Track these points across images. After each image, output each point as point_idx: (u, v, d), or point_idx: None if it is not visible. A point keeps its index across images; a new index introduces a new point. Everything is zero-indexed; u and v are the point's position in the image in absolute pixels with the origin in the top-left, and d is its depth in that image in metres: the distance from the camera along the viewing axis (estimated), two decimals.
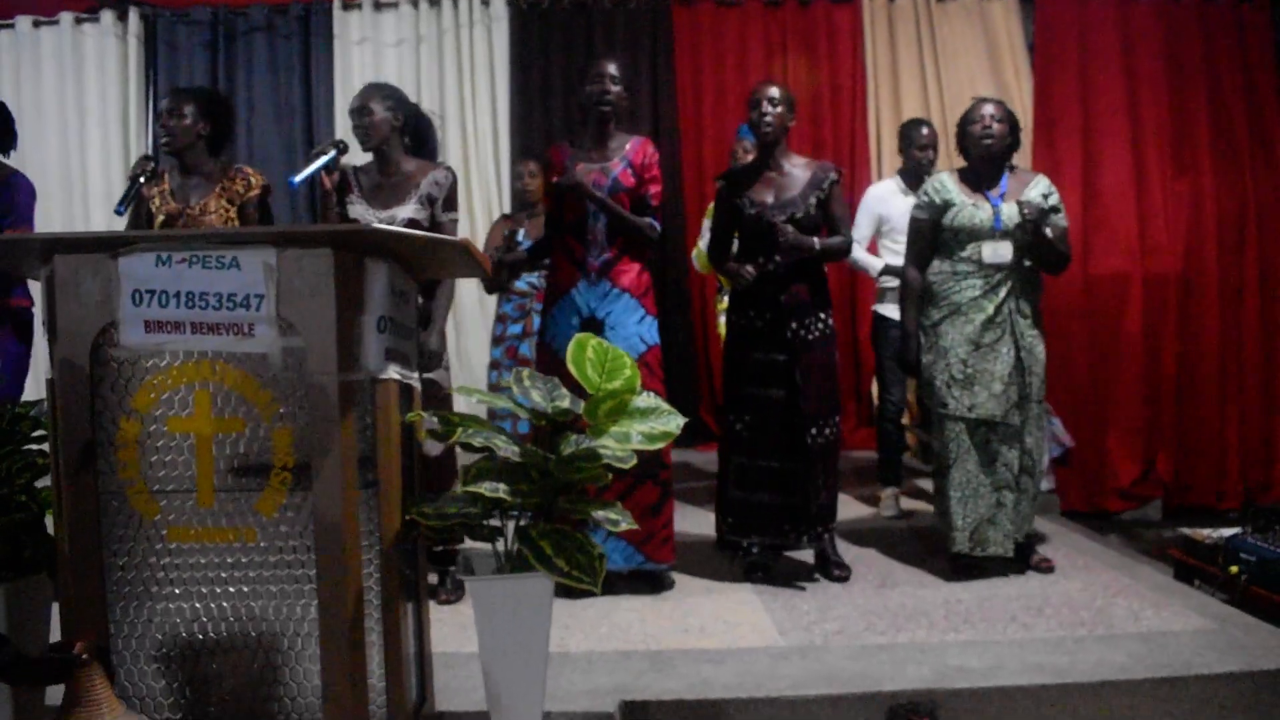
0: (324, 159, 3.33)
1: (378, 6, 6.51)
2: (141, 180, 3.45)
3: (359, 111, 3.53)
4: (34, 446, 2.53)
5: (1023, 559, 3.92)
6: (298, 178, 3.24)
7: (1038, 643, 3.16)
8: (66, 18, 6.47)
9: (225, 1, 6.55)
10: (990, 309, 3.77)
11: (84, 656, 1.97)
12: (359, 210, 3.53)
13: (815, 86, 6.63)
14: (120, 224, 6.16)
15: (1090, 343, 5.78)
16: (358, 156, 3.62)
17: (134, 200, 3.46)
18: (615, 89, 3.70)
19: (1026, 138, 6.15)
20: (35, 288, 3.67)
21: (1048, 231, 3.73)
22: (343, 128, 6.34)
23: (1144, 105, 6.18)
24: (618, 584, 3.75)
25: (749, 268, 3.75)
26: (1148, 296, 5.82)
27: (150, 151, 3.62)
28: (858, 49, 6.61)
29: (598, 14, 6.58)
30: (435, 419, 2.34)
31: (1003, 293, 3.78)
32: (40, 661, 2.03)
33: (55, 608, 2.37)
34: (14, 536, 2.39)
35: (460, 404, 5.32)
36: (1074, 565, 4.01)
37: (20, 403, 2.57)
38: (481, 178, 6.49)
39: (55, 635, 2.33)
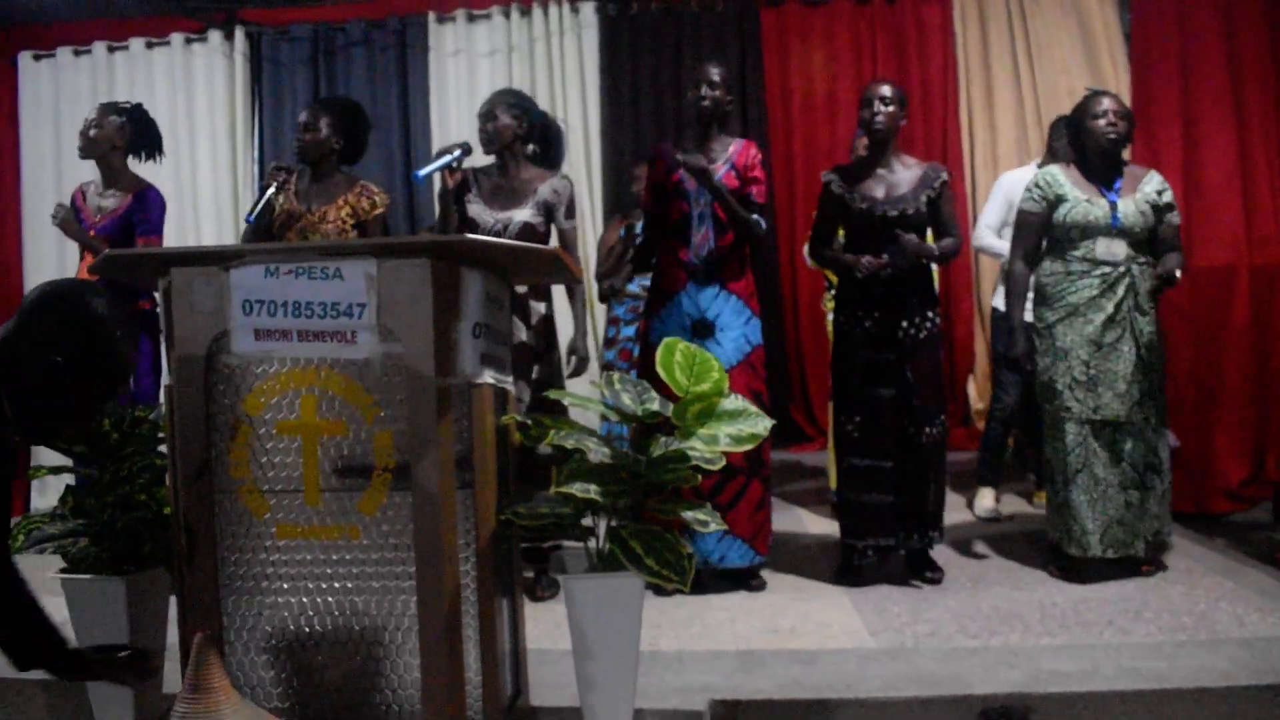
0: (447, 158, 3.49)
1: (471, 18, 6.63)
2: (272, 191, 3.57)
3: (485, 116, 3.67)
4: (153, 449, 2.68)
5: (1136, 563, 3.83)
6: (422, 172, 3.46)
7: (1135, 647, 3.10)
8: (177, 38, 6.74)
9: (325, 18, 6.75)
10: (1110, 308, 3.70)
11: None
12: (476, 210, 3.66)
13: (905, 83, 6.55)
14: (229, 235, 6.49)
15: (1195, 339, 5.62)
16: (479, 159, 3.73)
17: (263, 210, 3.58)
18: (715, 93, 3.73)
19: None
20: None
21: (1176, 272, 3.68)
22: (439, 137, 6.52)
23: (1248, 91, 5.98)
24: (709, 584, 3.79)
25: (868, 258, 3.70)
26: (1255, 289, 5.64)
27: (283, 162, 3.73)
28: (948, 44, 6.52)
29: (685, 18, 6.60)
30: (528, 421, 2.42)
31: (1120, 290, 3.70)
32: (89, 660, 2.12)
33: (172, 599, 2.51)
34: (135, 533, 2.53)
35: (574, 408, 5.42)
36: (1176, 569, 3.91)
37: (141, 406, 2.72)
38: (573, 180, 6.57)
39: (173, 626, 2.47)
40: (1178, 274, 3.71)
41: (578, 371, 3.83)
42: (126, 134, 4.20)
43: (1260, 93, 5.97)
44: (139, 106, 4.30)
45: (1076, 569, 3.79)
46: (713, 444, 2.33)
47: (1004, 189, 4.87)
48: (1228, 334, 5.39)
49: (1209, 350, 5.43)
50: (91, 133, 4.14)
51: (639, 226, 5.03)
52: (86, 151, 4.15)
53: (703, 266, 3.76)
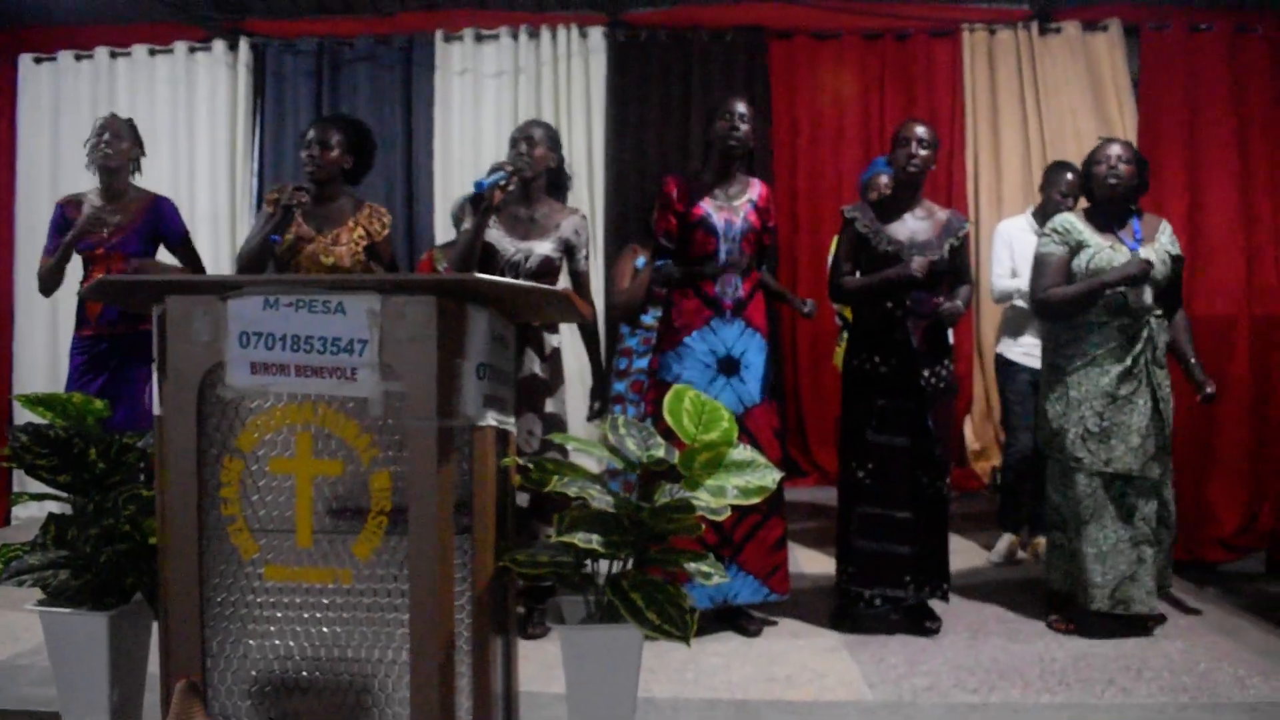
0: (502, 174, 3.42)
1: (479, 38, 6.60)
2: (295, 208, 3.46)
3: (525, 140, 3.61)
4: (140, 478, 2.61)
5: (1142, 620, 3.76)
6: (486, 182, 3.37)
7: (1137, 709, 3.04)
8: (181, 47, 6.69)
9: (332, 32, 6.71)
10: (1127, 360, 3.64)
11: None
12: (495, 236, 3.60)
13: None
14: (226, 248, 6.41)
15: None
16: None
17: (285, 227, 3.50)
18: (744, 128, 3.67)
19: None
20: None
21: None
22: (443, 156, 6.49)
23: (1253, 140, 6.01)
24: (704, 626, 3.72)
25: (919, 259, 3.60)
26: (1254, 340, 5.64)
27: (286, 181, 3.63)
28: (956, 82, 6.50)
29: (694, 46, 6.57)
30: (529, 465, 2.35)
31: (1139, 343, 3.65)
32: None
33: (154, 633, 2.44)
34: (118, 566, 2.45)
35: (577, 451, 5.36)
36: (1176, 624, 3.86)
37: (127, 434, 2.64)
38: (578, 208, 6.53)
39: (154, 661, 2.39)
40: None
41: (600, 415, 3.75)
42: (138, 147, 4.22)
43: (1265, 142, 6.00)
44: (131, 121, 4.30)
45: (1083, 622, 3.73)
46: (720, 495, 2.26)
47: (1003, 237, 4.88)
48: (1225, 383, 5.37)
49: None
50: (124, 145, 4.12)
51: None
52: (109, 161, 4.08)
53: (730, 303, 3.71)
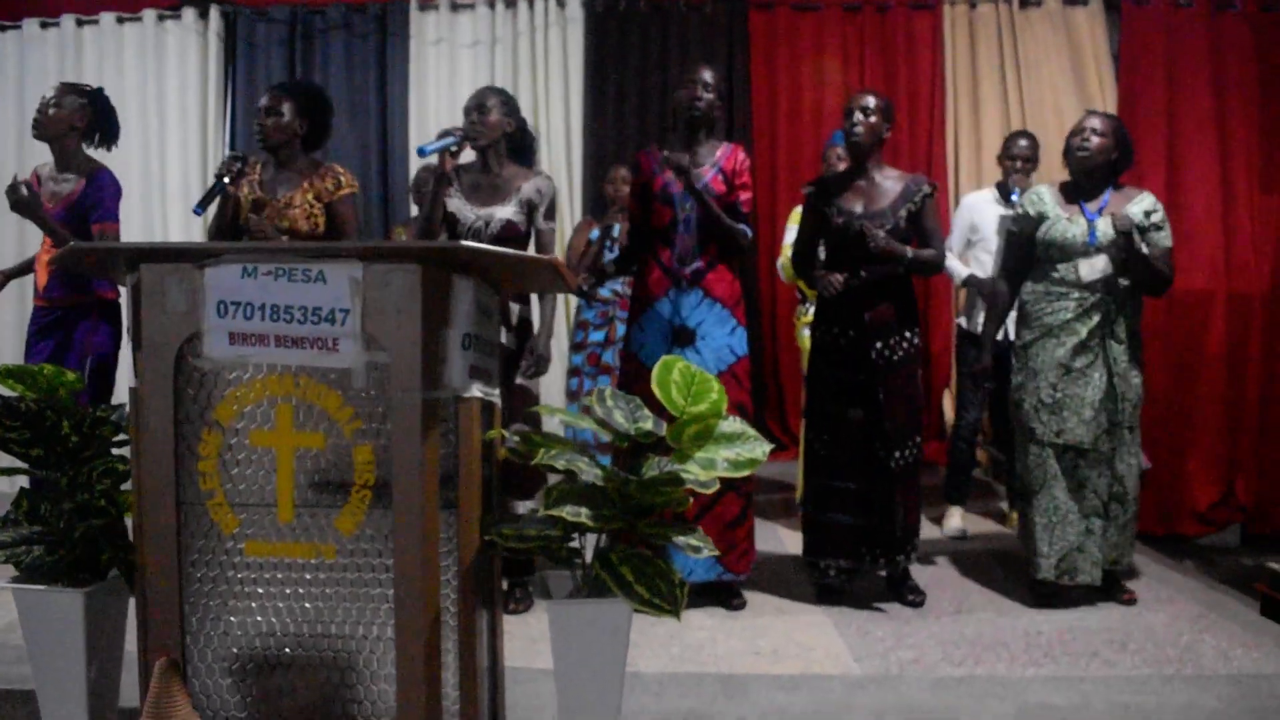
0: (450, 140, 3.36)
1: (454, 7, 6.49)
2: (226, 181, 3.40)
3: (477, 109, 3.55)
4: (116, 451, 2.54)
5: (1108, 589, 3.80)
6: (429, 148, 3.31)
7: (1123, 680, 3.04)
8: (149, 14, 6.52)
9: (304, 0, 6.58)
10: (1083, 332, 3.65)
11: None
12: (456, 205, 3.55)
13: (892, 93, 6.50)
14: (197, 223, 6.28)
15: (1170, 362, 5.61)
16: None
17: (215, 200, 3.42)
18: (708, 96, 3.63)
19: None
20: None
21: (1142, 247, 3.61)
22: (417, 127, 6.38)
23: (1232, 117, 5.99)
24: (690, 600, 3.69)
25: (837, 276, 3.65)
26: (1231, 316, 5.64)
27: (238, 151, 3.53)
28: (937, 56, 6.46)
29: (674, 16, 6.49)
30: (516, 437, 2.31)
31: (1096, 316, 3.65)
32: None
33: (131, 609, 2.39)
34: (93, 541, 2.39)
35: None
36: (1157, 597, 3.88)
37: (101, 407, 2.58)
38: (554, 179, 6.45)
39: (131, 639, 2.34)
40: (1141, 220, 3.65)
41: (537, 372, 3.66)
42: (86, 116, 3.95)
43: (1244, 119, 5.98)
44: (101, 90, 4.09)
45: (1047, 595, 3.75)
46: (710, 468, 2.23)
47: (964, 211, 4.89)
48: (1203, 358, 5.39)
49: (1183, 374, 5.42)
50: (50, 111, 3.88)
51: (616, 229, 4.98)
52: (41, 131, 3.89)
53: (686, 273, 3.66)
